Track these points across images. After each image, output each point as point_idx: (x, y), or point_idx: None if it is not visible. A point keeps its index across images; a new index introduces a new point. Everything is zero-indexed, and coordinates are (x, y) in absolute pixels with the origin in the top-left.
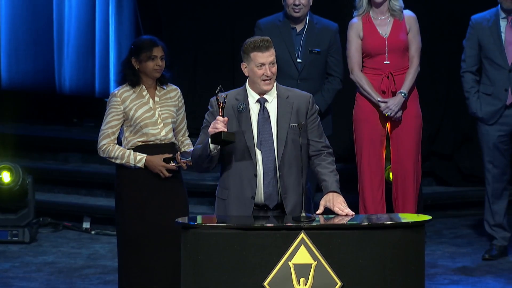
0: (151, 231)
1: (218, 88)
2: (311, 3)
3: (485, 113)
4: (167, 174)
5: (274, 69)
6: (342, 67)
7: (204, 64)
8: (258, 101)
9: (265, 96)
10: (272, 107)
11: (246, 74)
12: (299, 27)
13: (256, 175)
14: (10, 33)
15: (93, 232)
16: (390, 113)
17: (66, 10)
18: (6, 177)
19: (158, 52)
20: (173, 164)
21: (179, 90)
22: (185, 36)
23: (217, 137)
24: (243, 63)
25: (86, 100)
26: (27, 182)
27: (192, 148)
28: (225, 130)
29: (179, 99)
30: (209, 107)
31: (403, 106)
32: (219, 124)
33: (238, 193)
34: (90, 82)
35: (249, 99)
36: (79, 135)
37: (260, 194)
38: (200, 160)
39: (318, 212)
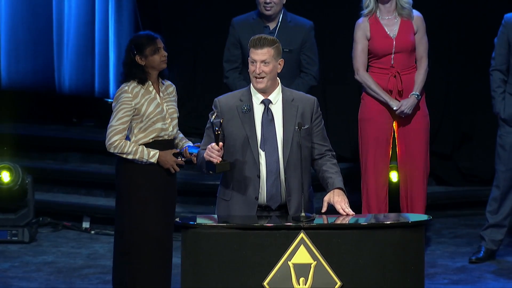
0: (165, 228)
1: (214, 114)
2: (284, 1)
3: (508, 114)
4: (178, 170)
5: (267, 68)
6: (316, 65)
7: (204, 64)
8: (262, 102)
9: (269, 98)
10: (276, 108)
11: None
12: (272, 25)
13: (259, 176)
14: (10, 33)
15: (92, 232)
16: (404, 116)
17: (66, 10)
18: (6, 177)
19: (160, 43)
20: (181, 159)
21: (174, 85)
22: (185, 35)
23: (211, 167)
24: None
25: (85, 100)
26: (27, 182)
27: (192, 144)
28: (219, 161)
29: (175, 94)
30: (213, 107)
31: (415, 106)
32: (213, 154)
33: (241, 194)
34: (89, 82)
35: (253, 100)
36: (79, 135)
37: (263, 195)
38: (201, 170)
39: (322, 211)
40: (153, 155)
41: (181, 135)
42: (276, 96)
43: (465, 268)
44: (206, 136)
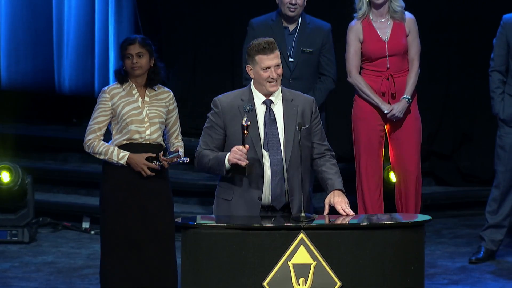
0: (132, 232)
1: (245, 117)
2: (305, 4)
3: (507, 115)
4: (149, 173)
5: (280, 70)
6: (334, 67)
7: (203, 64)
8: (264, 102)
9: (271, 98)
10: (278, 109)
11: (252, 76)
12: (291, 27)
13: (263, 176)
14: (10, 33)
15: (92, 232)
16: (395, 119)
17: (66, 10)
18: (6, 177)
19: (133, 50)
20: (155, 163)
21: (171, 93)
22: (185, 36)
23: (239, 169)
24: (248, 65)
25: (85, 100)
26: (27, 182)
27: (173, 150)
28: (248, 162)
29: (171, 102)
30: (212, 107)
31: (406, 110)
32: (242, 157)
33: (244, 194)
34: (89, 82)
35: (255, 100)
36: (79, 135)
37: (267, 195)
38: (209, 170)
39: (324, 213)
40: (122, 156)
41: (179, 143)
42: (277, 97)
43: (465, 268)
44: (206, 135)
